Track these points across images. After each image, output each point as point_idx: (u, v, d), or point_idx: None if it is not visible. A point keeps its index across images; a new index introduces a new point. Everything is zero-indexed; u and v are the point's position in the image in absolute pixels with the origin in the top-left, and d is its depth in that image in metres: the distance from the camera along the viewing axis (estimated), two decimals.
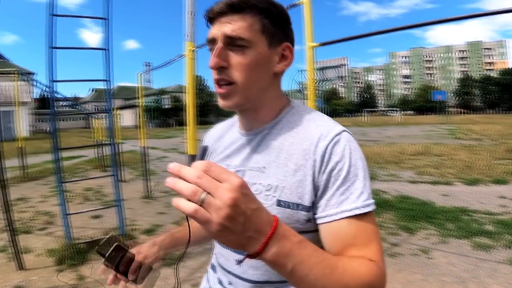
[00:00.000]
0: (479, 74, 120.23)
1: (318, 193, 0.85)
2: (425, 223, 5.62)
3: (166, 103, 39.04)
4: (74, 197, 8.09)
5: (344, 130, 0.90)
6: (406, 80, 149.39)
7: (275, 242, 0.62)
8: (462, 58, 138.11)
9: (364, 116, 69.62)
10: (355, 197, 0.82)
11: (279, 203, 0.87)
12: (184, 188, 0.57)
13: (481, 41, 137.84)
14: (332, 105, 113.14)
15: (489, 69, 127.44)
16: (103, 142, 12.44)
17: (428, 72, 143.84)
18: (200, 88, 64.28)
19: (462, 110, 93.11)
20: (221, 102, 0.92)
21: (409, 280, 3.88)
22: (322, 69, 18.93)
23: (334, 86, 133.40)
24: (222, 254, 1.04)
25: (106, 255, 0.98)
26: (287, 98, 1.04)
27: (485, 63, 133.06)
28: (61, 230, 5.55)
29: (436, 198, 7.08)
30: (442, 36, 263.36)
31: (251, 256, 0.63)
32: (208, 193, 0.56)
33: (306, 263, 0.66)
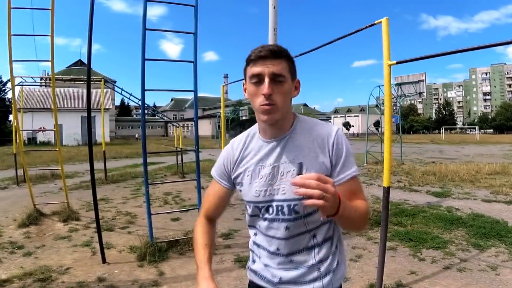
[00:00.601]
0: None
1: (332, 167, 1.38)
2: (496, 241, 5.53)
3: (244, 114, 40.19)
4: (154, 200, 8.68)
5: (338, 129, 1.44)
6: (486, 97, 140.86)
7: (341, 205, 1.14)
8: None
9: (442, 133, 66.71)
10: (352, 165, 1.40)
11: None
12: (314, 193, 1.03)
13: None
14: (410, 121, 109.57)
15: None
16: (182, 149, 13.22)
17: (509, 89, 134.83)
18: None
19: None
20: (265, 117, 1.33)
21: None
22: (399, 84, 18.64)
23: (412, 102, 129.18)
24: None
25: None
26: (293, 113, 1.49)
27: None
28: (142, 229, 6.09)
29: (510, 218, 6.85)
30: None
31: (332, 215, 1.14)
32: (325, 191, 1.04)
33: (349, 209, 1.21)
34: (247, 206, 1.51)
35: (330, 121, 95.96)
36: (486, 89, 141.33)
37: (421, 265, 4.66)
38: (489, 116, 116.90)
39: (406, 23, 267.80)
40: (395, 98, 19.19)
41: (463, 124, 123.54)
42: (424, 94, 18.38)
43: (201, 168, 5.65)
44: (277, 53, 1.31)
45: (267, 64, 1.29)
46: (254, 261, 1.56)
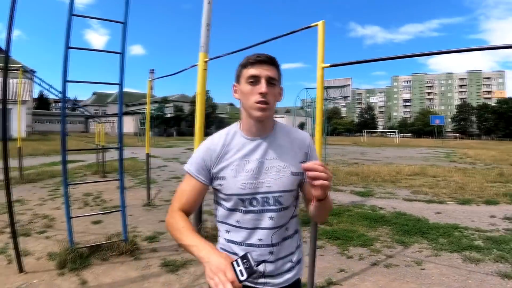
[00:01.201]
0: (477, 102, 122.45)
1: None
2: (419, 237, 5.80)
3: (169, 111, 38.82)
4: (74, 202, 8.09)
5: (308, 134, 1.70)
6: (407, 103, 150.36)
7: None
8: (461, 85, 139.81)
9: (364, 136, 69.90)
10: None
11: (292, 173, 1.57)
12: (322, 175, 1.29)
13: (481, 70, 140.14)
14: (333, 124, 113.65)
15: (487, 98, 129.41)
16: (104, 147, 12.56)
17: (428, 97, 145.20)
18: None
19: (459, 135, 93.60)
20: (259, 113, 1.50)
21: None
22: (326, 88, 19.19)
23: (336, 105, 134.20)
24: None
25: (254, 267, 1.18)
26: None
27: (484, 91, 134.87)
28: (61, 234, 5.56)
29: (430, 215, 7.26)
30: (444, 63, 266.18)
31: (321, 200, 1.41)
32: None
33: (329, 197, 1.47)
34: (225, 201, 1.57)
35: None
36: (407, 96, 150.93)
37: (349, 263, 4.75)
38: (408, 121, 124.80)
39: (336, 30, 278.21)
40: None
41: (384, 128, 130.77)
42: (349, 98, 19.09)
43: (124, 167, 5.27)
44: (273, 60, 1.53)
45: (264, 68, 1.50)
46: None
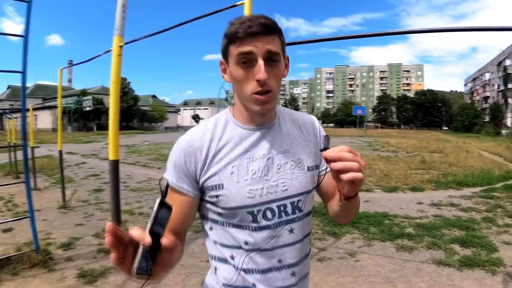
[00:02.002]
0: (397, 93, 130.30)
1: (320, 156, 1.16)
2: (350, 227, 5.77)
3: (88, 105, 36.31)
4: None
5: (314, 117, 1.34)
6: (329, 95, 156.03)
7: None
8: (382, 78, 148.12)
9: None
10: None
11: (308, 168, 1.20)
12: (353, 166, 0.90)
13: (401, 63, 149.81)
14: None
15: (406, 90, 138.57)
16: (14, 144, 11.41)
17: (350, 88, 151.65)
18: (124, 91, 61.69)
19: (380, 125, 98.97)
20: (259, 107, 1.08)
21: (339, 283, 3.94)
22: None
23: None
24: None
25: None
26: None
27: (403, 83, 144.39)
28: None
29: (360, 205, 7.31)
30: (365, 56, 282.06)
31: (353, 196, 1.03)
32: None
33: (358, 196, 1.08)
34: (225, 217, 1.13)
35: (179, 114, 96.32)
36: (330, 87, 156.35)
37: None
38: (331, 112, 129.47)
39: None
40: None
41: None
42: None
43: (37, 167, 4.64)
44: (271, 28, 1.05)
45: (260, 41, 1.03)
46: None
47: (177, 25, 3.86)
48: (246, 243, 1.12)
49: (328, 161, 0.91)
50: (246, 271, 1.14)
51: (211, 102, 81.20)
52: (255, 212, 1.10)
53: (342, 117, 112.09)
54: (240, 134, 1.15)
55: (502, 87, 73.79)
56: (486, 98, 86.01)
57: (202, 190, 1.13)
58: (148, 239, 0.73)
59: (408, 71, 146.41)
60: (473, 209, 7.40)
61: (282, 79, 1.14)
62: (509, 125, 63.94)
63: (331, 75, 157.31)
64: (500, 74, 75.19)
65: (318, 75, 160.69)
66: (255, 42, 1.02)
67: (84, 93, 58.07)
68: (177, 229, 1.13)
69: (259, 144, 1.15)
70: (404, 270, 4.19)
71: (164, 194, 0.81)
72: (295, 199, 1.14)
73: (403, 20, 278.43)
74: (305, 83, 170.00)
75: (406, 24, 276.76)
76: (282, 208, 1.12)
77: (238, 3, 3.19)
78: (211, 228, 1.18)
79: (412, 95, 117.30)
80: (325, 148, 0.94)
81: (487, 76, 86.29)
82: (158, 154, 18.17)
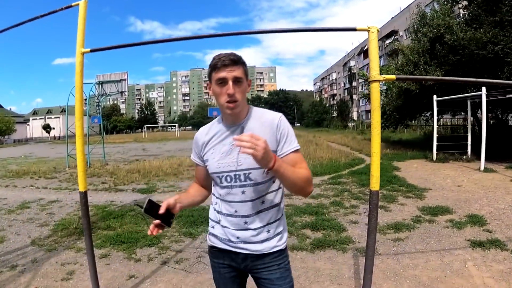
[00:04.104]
0: (251, 94, 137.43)
1: (278, 144, 1.76)
2: (206, 226, 5.81)
3: None
4: None
5: (282, 115, 1.84)
6: (186, 98, 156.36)
7: (277, 162, 1.53)
8: None
9: (145, 132, 69.59)
10: (293, 142, 1.79)
11: None
12: (245, 144, 1.43)
13: (255, 66, 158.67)
14: (113, 122, 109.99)
15: (260, 90, 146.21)
16: None
17: (206, 91, 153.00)
18: None
19: None
20: (229, 111, 1.74)
21: (198, 281, 4.02)
22: (101, 83, 18.12)
23: (115, 102, 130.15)
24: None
25: (144, 207, 1.62)
26: (248, 104, 1.87)
27: (257, 85, 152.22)
28: None
29: None
30: None
31: (269, 169, 1.53)
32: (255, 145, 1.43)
33: (287, 169, 1.60)
34: (212, 178, 1.91)
35: (28, 124, 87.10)
36: (186, 90, 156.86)
37: (138, 267, 4.49)
38: (188, 115, 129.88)
39: (114, 23, 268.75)
40: (96, 97, 18.74)
41: (164, 123, 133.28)
42: (126, 93, 18.56)
43: None
44: (236, 61, 1.71)
45: (229, 70, 1.69)
46: (213, 227, 1.94)
47: (11, 26, 3.55)
48: (219, 195, 1.86)
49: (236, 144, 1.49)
50: (218, 212, 1.88)
51: (63, 110, 74.60)
52: (220, 177, 1.82)
53: (199, 120, 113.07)
54: (222, 130, 1.84)
55: (347, 85, 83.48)
56: (333, 96, 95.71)
57: (204, 162, 1.91)
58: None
59: (261, 72, 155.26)
60: (322, 195, 8.18)
61: (246, 93, 1.79)
62: (355, 118, 72.27)
63: (187, 78, 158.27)
64: (345, 74, 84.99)
65: (174, 78, 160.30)
66: (227, 70, 1.68)
67: None
68: (201, 182, 2.03)
69: (231, 135, 1.78)
70: None
71: (145, 206, 1.64)
72: (247, 172, 1.75)
73: (256, 25, 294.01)
74: (161, 87, 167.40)
75: (259, 29, 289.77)
76: (237, 176, 1.77)
77: (73, 4, 3.09)
78: (213, 185, 1.94)
79: (265, 95, 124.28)
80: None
81: (334, 75, 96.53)
82: (5, 171, 15.46)
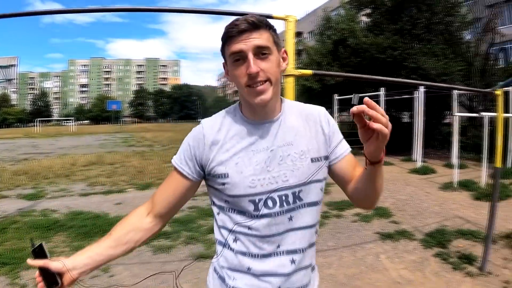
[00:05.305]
0: (154, 88, 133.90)
1: (330, 142, 1.30)
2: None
3: None
4: None
5: (324, 108, 1.37)
6: (84, 89, 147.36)
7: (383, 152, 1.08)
8: (139, 72, 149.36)
9: (37, 126, 64.29)
10: (346, 143, 1.35)
11: (312, 160, 1.26)
12: (382, 119, 0.95)
13: (159, 58, 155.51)
14: (2, 114, 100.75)
15: (163, 84, 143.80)
16: None
17: (106, 82, 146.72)
18: None
19: (137, 119, 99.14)
20: (256, 99, 1.16)
21: None
22: None
23: (5, 92, 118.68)
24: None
25: (35, 248, 1.17)
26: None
27: (160, 78, 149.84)
28: None
29: (110, 208, 6.84)
30: (123, 49, 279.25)
31: (378, 161, 1.10)
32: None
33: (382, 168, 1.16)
34: (231, 204, 1.24)
35: None
36: (84, 81, 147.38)
37: None
38: (86, 108, 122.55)
39: (12, 2, 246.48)
40: None
41: (60, 116, 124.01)
42: (16, 81, 16.71)
43: None
44: (256, 24, 1.15)
45: (248, 38, 1.14)
46: (234, 278, 1.25)
47: None
48: (249, 228, 1.22)
49: (362, 111, 0.96)
50: (243, 254, 1.23)
51: None
52: (257, 201, 1.20)
53: (98, 113, 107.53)
54: (245, 128, 1.25)
55: None
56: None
57: (202, 175, 1.27)
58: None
59: (165, 65, 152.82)
60: None
61: (280, 71, 1.22)
62: None
63: (86, 68, 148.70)
64: None
65: (72, 67, 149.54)
66: (243, 39, 1.13)
67: None
68: (162, 208, 1.30)
69: (264, 137, 1.24)
70: (164, 275, 3.90)
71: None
72: (296, 189, 1.22)
73: (163, 16, 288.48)
74: (57, 76, 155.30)
75: (165, 20, 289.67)
76: (283, 198, 1.21)
77: None
78: (218, 213, 1.30)
79: (168, 89, 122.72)
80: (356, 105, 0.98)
81: None
82: None
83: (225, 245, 1.28)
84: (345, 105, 16.24)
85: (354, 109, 0.96)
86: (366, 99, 0.96)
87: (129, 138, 29.58)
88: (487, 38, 16.46)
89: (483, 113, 9.18)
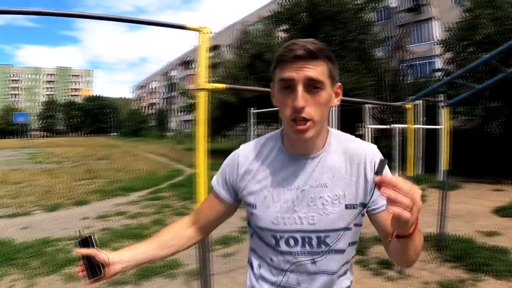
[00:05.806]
0: (65, 99, 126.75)
1: (372, 192, 1.13)
2: (6, 267, 4.70)
3: None
4: None
5: (376, 148, 1.22)
6: None
7: (417, 227, 0.93)
8: (50, 81, 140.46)
9: None
10: None
11: (347, 206, 1.15)
12: (404, 201, 0.81)
13: (71, 67, 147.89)
14: None
15: (75, 95, 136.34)
16: None
17: (13, 92, 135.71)
18: None
19: (45, 133, 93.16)
20: (299, 136, 1.08)
21: None
22: None
23: None
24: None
25: (83, 239, 1.20)
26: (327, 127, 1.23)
27: (72, 89, 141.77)
28: None
29: (16, 234, 6.25)
30: (32, 57, 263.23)
31: (406, 236, 0.94)
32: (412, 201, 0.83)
33: (418, 235, 1.00)
34: (257, 232, 1.25)
35: None
36: None
37: None
38: None
39: None
40: None
41: None
42: None
43: None
44: (314, 53, 1.04)
45: (301, 67, 1.04)
46: None
47: None
48: (271, 259, 1.22)
49: (380, 187, 0.85)
50: (264, 280, 1.25)
51: None
52: (278, 237, 1.18)
53: (3, 126, 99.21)
54: (282, 160, 1.20)
55: (167, 95, 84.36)
56: (152, 105, 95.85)
57: (238, 198, 1.27)
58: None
59: (77, 75, 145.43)
60: (141, 214, 7.65)
61: (328, 108, 1.14)
62: (174, 128, 73.47)
63: None
64: (166, 83, 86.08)
65: None
66: (297, 67, 1.04)
67: None
68: (203, 225, 1.35)
69: (298, 173, 1.17)
70: None
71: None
72: (322, 235, 1.16)
73: (77, 23, 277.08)
74: None
75: (80, 27, 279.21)
76: (306, 239, 1.16)
77: None
78: (251, 235, 1.31)
79: (81, 101, 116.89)
80: (378, 173, 0.91)
81: (154, 84, 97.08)
82: None
83: (251, 266, 1.33)
84: (262, 119, 16.36)
85: (377, 179, 0.86)
86: (378, 178, 0.86)
87: (37, 154, 27.52)
88: (397, 55, 17.89)
89: (394, 125, 9.87)
